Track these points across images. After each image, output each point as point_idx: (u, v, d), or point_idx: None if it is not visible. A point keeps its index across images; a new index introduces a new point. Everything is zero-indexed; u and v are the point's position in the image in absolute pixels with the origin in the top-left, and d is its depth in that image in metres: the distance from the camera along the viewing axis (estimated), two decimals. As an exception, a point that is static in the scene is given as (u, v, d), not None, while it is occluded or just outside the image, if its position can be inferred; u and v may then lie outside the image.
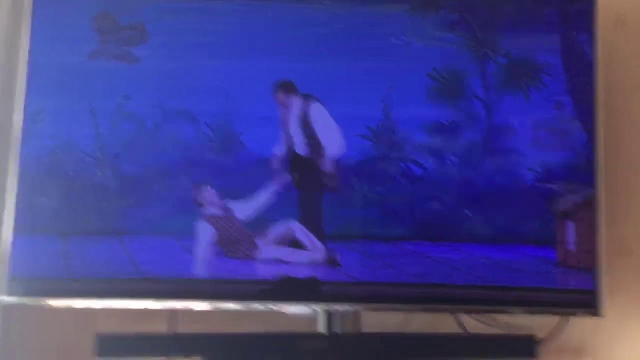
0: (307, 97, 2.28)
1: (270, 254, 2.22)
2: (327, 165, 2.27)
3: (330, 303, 2.20)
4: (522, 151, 2.25)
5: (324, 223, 2.24)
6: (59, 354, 2.47)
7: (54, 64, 2.29)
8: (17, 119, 2.27)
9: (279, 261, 2.22)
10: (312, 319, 2.29)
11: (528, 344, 2.18)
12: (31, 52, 2.29)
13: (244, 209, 2.24)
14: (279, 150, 2.27)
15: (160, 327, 2.35)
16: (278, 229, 2.24)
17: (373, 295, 2.21)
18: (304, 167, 2.27)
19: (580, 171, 2.24)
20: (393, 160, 2.26)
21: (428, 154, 2.26)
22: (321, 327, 2.27)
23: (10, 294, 2.21)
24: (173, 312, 2.34)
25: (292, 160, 2.28)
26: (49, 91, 2.28)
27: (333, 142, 2.27)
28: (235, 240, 2.23)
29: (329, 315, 2.26)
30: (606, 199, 2.25)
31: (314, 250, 2.21)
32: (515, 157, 2.25)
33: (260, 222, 2.25)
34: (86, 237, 2.24)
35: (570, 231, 2.21)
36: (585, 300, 2.20)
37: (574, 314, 2.27)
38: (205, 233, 2.23)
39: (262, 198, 2.23)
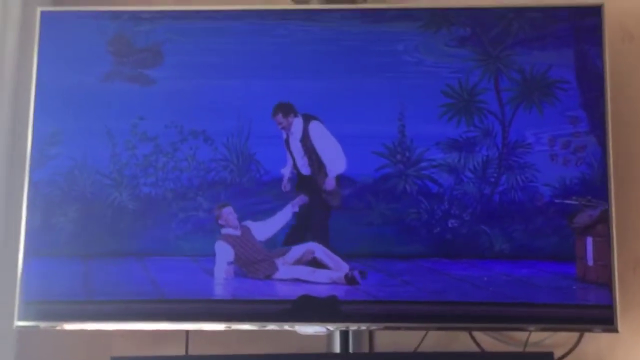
0: (306, 117, 2.28)
1: (290, 274, 2.22)
2: (329, 184, 2.27)
3: (350, 322, 2.20)
4: (538, 167, 2.25)
5: (341, 241, 2.23)
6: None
7: (69, 85, 2.30)
8: (28, 142, 2.28)
9: (298, 281, 2.21)
10: (327, 338, 2.29)
11: (547, 362, 2.17)
12: (44, 74, 2.31)
13: (263, 230, 2.24)
14: (287, 171, 2.27)
15: (176, 350, 2.34)
16: (298, 250, 2.24)
17: (392, 313, 2.20)
18: (308, 187, 2.28)
19: (597, 186, 2.24)
20: (409, 177, 2.26)
21: (444, 171, 2.26)
22: (336, 347, 2.27)
23: (23, 318, 2.21)
24: (189, 334, 2.33)
25: (299, 181, 2.28)
26: (66, 113, 2.30)
27: (334, 160, 2.27)
28: (254, 261, 2.23)
29: (344, 335, 2.26)
30: (620, 213, 2.25)
31: (337, 269, 2.21)
32: (532, 172, 2.25)
33: (278, 243, 2.25)
34: (104, 258, 2.24)
35: (589, 246, 2.21)
36: (602, 316, 2.19)
37: (590, 330, 2.26)
38: (223, 253, 2.23)
39: (280, 219, 2.24)
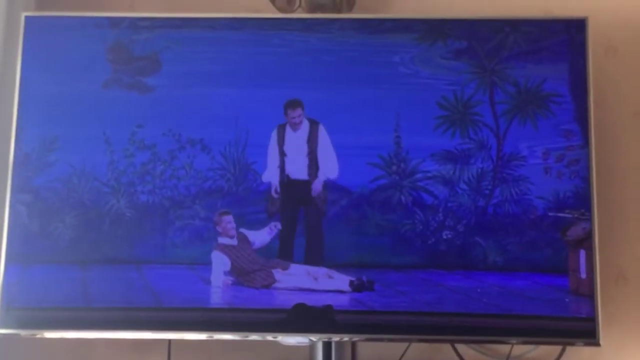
0: (313, 121, 2.30)
1: (292, 283, 2.23)
2: (316, 187, 2.28)
3: (342, 333, 2.22)
4: (532, 180, 2.27)
5: (337, 251, 2.25)
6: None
7: (65, 92, 2.31)
8: (11, 148, 2.29)
9: (300, 289, 2.23)
10: (309, 349, 2.31)
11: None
12: (32, 80, 2.32)
13: (258, 238, 2.25)
14: (273, 175, 2.29)
15: (158, 358, 2.35)
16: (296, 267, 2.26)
17: (387, 324, 2.21)
18: (300, 191, 2.29)
19: (588, 199, 2.26)
20: (405, 188, 2.28)
21: (439, 183, 2.28)
22: (319, 358, 2.29)
23: (4, 325, 2.21)
24: (171, 342, 2.34)
25: (291, 186, 2.29)
26: (64, 120, 2.30)
27: (328, 166, 2.29)
28: (250, 271, 2.24)
29: (327, 346, 2.28)
30: (605, 226, 2.28)
31: (334, 279, 2.23)
32: (526, 185, 2.27)
33: (274, 251, 2.26)
34: (101, 266, 2.25)
35: (582, 259, 2.23)
36: (585, 329, 2.20)
37: (572, 344, 2.27)
38: (220, 263, 2.24)
39: (275, 228, 2.25)
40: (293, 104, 2.29)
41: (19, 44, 2.33)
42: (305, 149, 2.30)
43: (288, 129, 2.30)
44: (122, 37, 2.34)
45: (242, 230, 2.26)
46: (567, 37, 2.33)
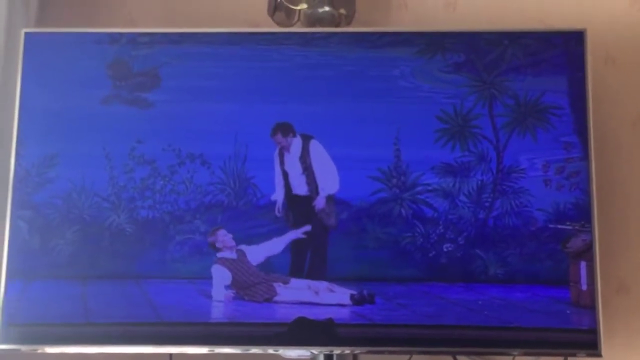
0: (305, 137, 2.30)
1: (293, 297, 2.23)
2: (319, 203, 2.28)
3: (344, 346, 2.21)
4: (532, 192, 2.27)
5: (338, 265, 2.25)
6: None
7: (68, 108, 2.32)
8: (11, 163, 2.29)
9: (302, 303, 2.22)
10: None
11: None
12: (32, 97, 2.32)
13: (257, 254, 2.25)
14: (279, 196, 2.29)
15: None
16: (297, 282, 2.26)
17: (387, 337, 2.21)
18: (303, 208, 2.29)
19: (589, 210, 2.26)
20: (405, 201, 2.28)
21: (439, 196, 2.28)
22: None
23: (4, 341, 2.21)
24: (172, 356, 2.32)
25: (290, 204, 2.29)
26: (64, 135, 2.31)
27: (328, 180, 2.29)
28: (251, 284, 2.24)
29: (328, 359, 2.28)
30: (605, 237, 2.28)
31: (335, 293, 2.23)
32: (526, 197, 2.27)
33: (275, 267, 2.27)
34: (102, 281, 2.25)
35: (583, 271, 2.22)
36: (587, 340, 2.20)
37: (574, 355, 2.25)
38: (220, 276, 2.24)
39: (278, 244, 2.25)
40: (273, 130, 2.30)
41: (19, 60, 2.33)
42: (299, 167, 2.30)
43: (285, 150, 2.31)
44: (121, 53, 2.35)
45: (242, 245, 2.26)
46: (566, 49, 2.33)
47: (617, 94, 2.57)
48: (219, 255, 2.25)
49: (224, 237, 2.26)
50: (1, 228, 2.26)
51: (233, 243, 2.26)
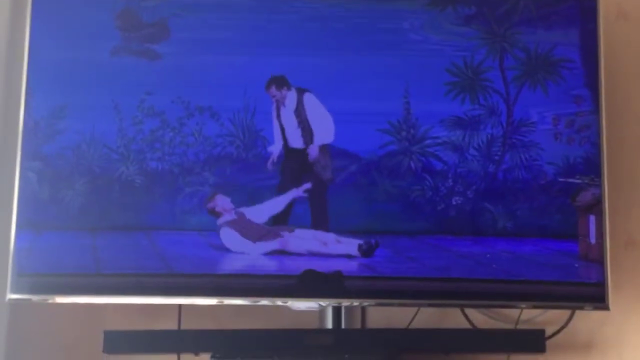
0: (300, 90, 2.29)
1: (302, 247, 2.24)
2: (313, 152, 2.28)
3: (351, 298, 2.22)
4: (542, 145, 2.27)
5: (347, 217, 2.25)
6: (66, 351, 2.47)
7: (77, 59, 2.30)
8: (20, 115, 2.29)
9: (305, 254, 2.23)
10: (319, 314, 2.31)
11: (538, 339, 2.20)
12: (40, 47, 2.31)
13: (259, 213, 2.26)
14: (276, 149, 2.29)
15: (168, 324, 2.36)
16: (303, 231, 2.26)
17: (396, 289, 2.22)
18: (298, 162, 2.29)
19: (598, 164, 2.25)
20: (414, 154, 2.28)
21: (448, 149, 2.28)
22: (328, 323, 2.29)
23: (16, 291, 2.22)
24: (181, 308, 2.36)
25: (287, 157, 2.29)
26: (73, 87, 2.30)
27: (323, 130, 2.29)
28: (259, 236, 2.25)
29: (337, 311, 2.29)
30: (614, 191, 2.28)
31: (342, 244, 2.23)
32: (536, 151, 2.27)
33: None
34: (111, 232, 2.25)
35: (592, 224, 2.23)
36: (594, 294, 2.21)
37: (581, 308, 2.28)
38: (229, 238, 2.24)
39: (279, 202, 2.25)
40: (268, 84, 2.29)
41: (28, 10, 2.32)
42: (294, 120, 2.29)
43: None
44: (130, 3, 2.33)
45: (242, 208, 2.26)
46: (578, 1, 2.31)
47: (629, 48, 2.55)
48: (221, 220, 2.25)
49: (222, 201, 2.25)
50: (11, 179, 2.26)
51: (232, 206, 2.25)
